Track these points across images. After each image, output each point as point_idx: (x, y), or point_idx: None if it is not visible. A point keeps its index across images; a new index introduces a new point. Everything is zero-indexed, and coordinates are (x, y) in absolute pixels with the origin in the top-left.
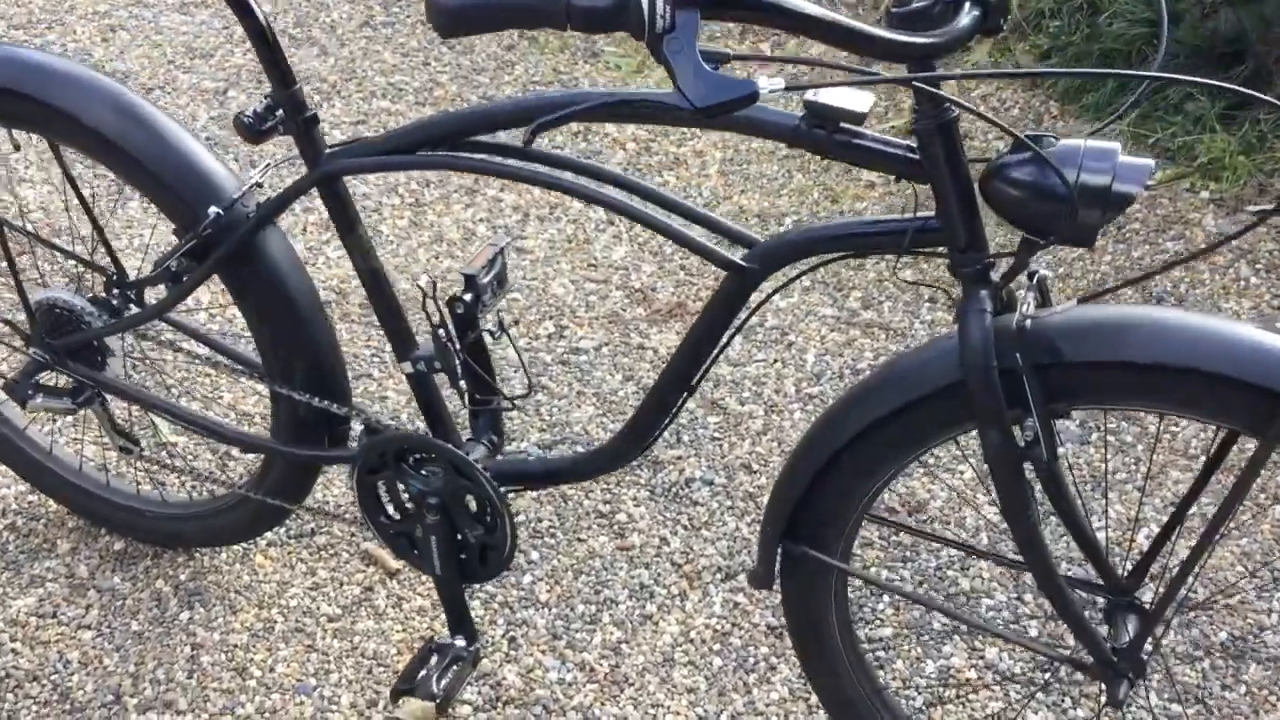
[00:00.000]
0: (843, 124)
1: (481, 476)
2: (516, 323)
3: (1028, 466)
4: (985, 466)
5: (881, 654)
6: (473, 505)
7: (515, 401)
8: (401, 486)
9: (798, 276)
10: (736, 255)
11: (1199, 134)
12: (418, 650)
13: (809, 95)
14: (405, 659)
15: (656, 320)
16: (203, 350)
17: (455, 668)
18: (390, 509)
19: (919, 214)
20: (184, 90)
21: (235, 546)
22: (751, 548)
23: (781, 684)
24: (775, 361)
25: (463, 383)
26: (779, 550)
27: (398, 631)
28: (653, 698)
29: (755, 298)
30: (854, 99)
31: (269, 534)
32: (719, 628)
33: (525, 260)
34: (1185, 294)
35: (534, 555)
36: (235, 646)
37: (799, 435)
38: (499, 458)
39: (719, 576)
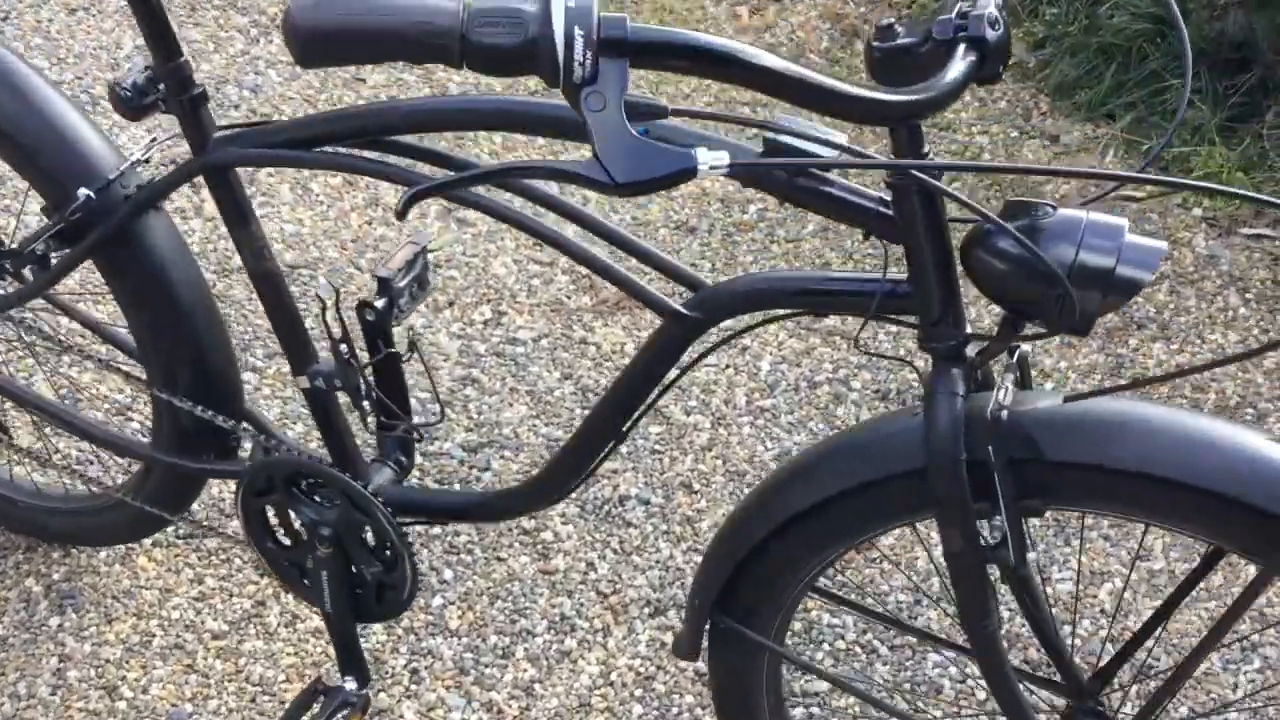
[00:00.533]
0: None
1: (379, 511)
2: (451, 304)
3: (992, 567)
4: (943, 561)
5: (817, 711)
6: (370, 539)
7: (422, 431)
8: (292, 513)
9: (743, 331)
10: (676, 301)
11: (1196, 145)
12: (301, 692)
13: (769, 133)
14: (294, 688)
15: (603, 312)
16: (86, 339)
17: (342, 715)
18: (280, 534)
19: (889, 275)
20: (110, 13)
21: (116, 546)
22: (685, 579)
23: None
24: (727, 368)
25: (366, 404)
26: (707, 623)
27: (288, 655)
28: None
29: (695, 349)
30: (820, 136)
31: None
32: (642, 670)
33: (467, 234)
34: (1169, 321)
35: (447, 574)
36: (107, 661)
37: (745, 454)
38: (405, 485)
39: (646, 611)
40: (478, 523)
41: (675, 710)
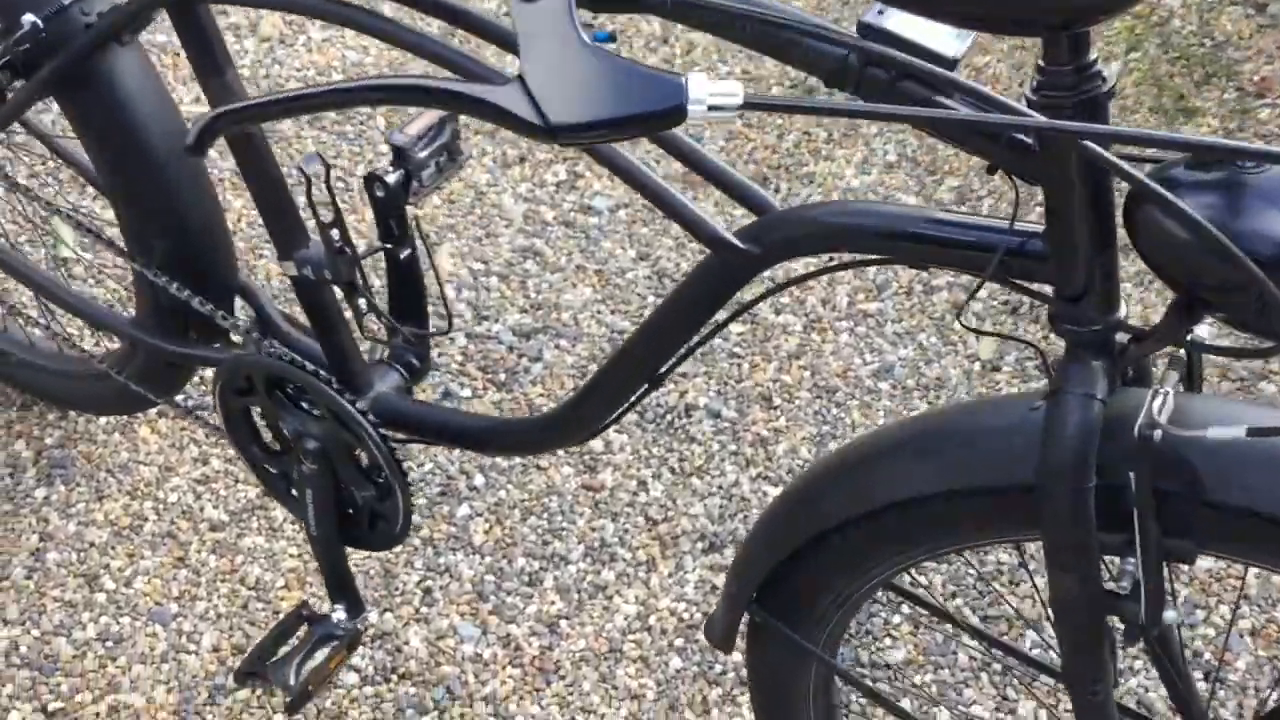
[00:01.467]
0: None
1: (368, 433)
2: (522, 160)
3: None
4: (1050, 606)
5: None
6: (363, 460)
7: (413, 336)
8: (278, 416)
9: (811, 277)
10: (731, 231)
11: None
12: (283, 617)
13: (866, 15)
14: (292, 599)
15: (693, 184)
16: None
17: (326, 650)
18: (265, 439)
19: (1018, 225)
20: None
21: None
22: (750, 514)
23: (749, 709)
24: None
25: (362, 302)
26: (745, 614)
27: (290, 557)
28: (585, 699)
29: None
30: (939, 36)
31: None
32: (686, 616)
33: None
34: None
35: (478, 479)
36: (91, 545)
37: (839, 367)
38: (409, 398)
39: (700, 546)
40: (483, 453)
41: (719, 668)
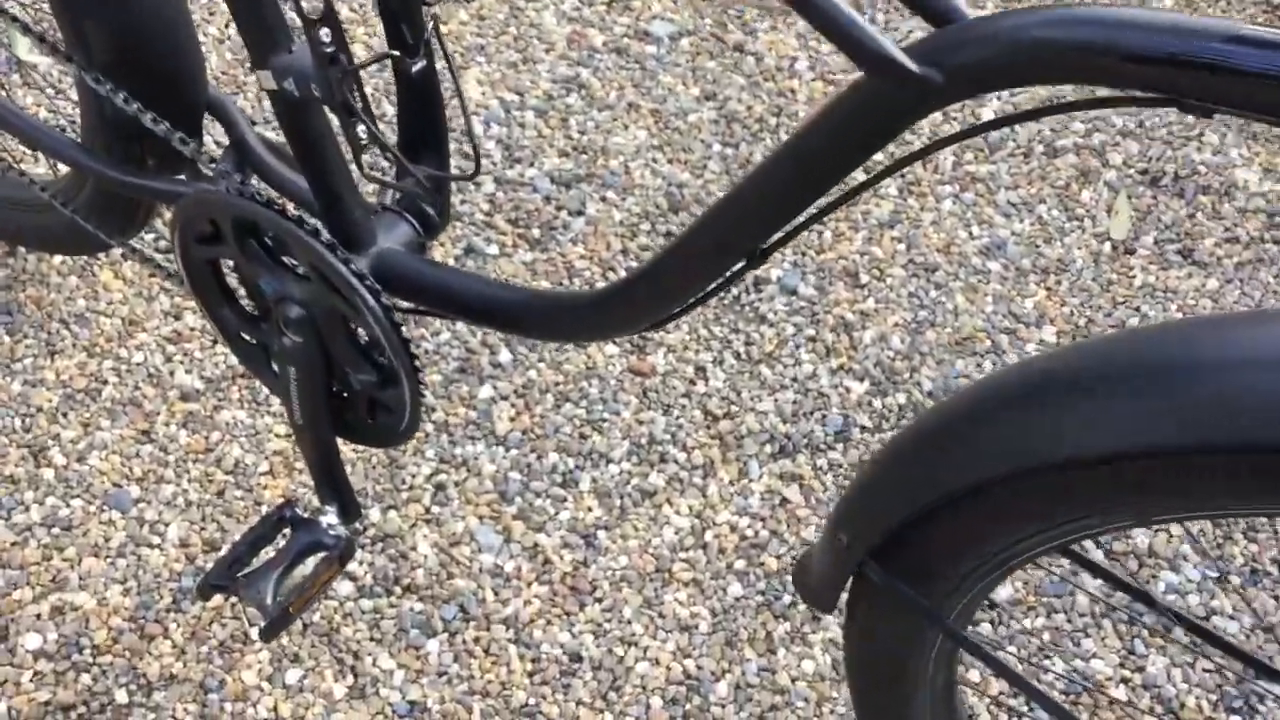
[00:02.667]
0: None
1: (365, 301)
2: None
3: None
4: None
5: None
6: (360, 335)
7: (428, 179)
8: (254, 273)
9: (1009, 122)
10: (901, 52)
11: None
12: (263, 516)
13: None
14: (277, 489)
15: (772, 11)
16: None
17: (313, 563)
18: (239, 296)
19: None
20: None
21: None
22: (827, 412)
23: (822, 650)
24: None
25: (361, 131)
26: (856, 570)
27: (276, 437)
28: (624, 627)
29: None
30: None
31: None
32: (750, 534)
33: None
34: None
35: (503, 355)
36: (39, 410)
37: (940, 240)
38: (421, 256)
39: (768, 449)
40: (515, 333)
41: (787, 598)
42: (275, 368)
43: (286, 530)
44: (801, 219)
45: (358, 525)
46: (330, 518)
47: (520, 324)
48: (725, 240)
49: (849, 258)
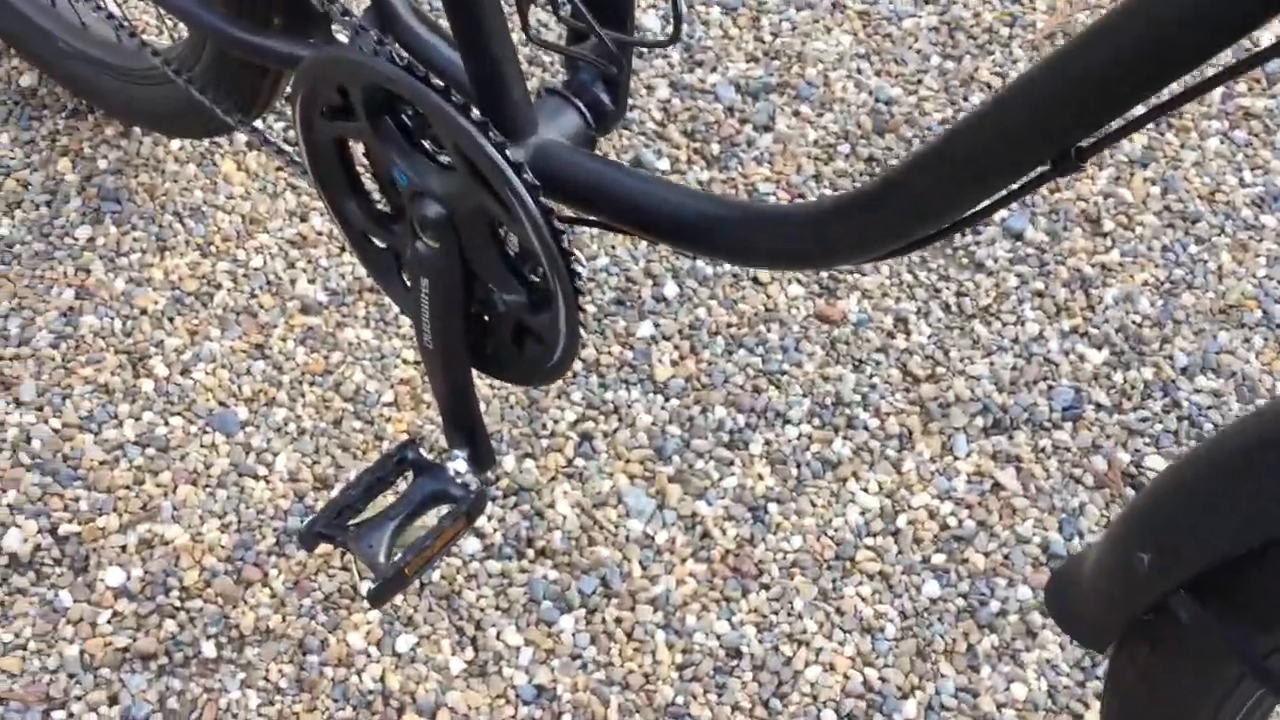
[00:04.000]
0: None
1: (523, 201)
2: None
3: None
4: None
5: None
6: (511, 244)
7: (614, 43)
8: (387, 159)
9: None
10: None
11: None
12: (382, 456)
13: None
14: (402, 424)
15: None
16: None
17: (435, 516)
18: (368, 189)
19: None
20: None
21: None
22: (1054, 384)
23: (1037, 673)
24: None
25: None
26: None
27: (405, 364)
28: (794, 622)
29: None
30: None
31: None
32: (953, 524)
33: None
34: None
35: (669, 287)
36: (142, 313)
37: (1208, 188)
38: (586, 150)
39: (979, 424)
40: (690, 250)
41: (994, 605)
42: (406, 279)
43: (408, 474)
44: (1138, 112)
45: (489, 475)
46: (459, 464)
47: (713, 241)
48: (1027, 131)
49: (1089, 199)
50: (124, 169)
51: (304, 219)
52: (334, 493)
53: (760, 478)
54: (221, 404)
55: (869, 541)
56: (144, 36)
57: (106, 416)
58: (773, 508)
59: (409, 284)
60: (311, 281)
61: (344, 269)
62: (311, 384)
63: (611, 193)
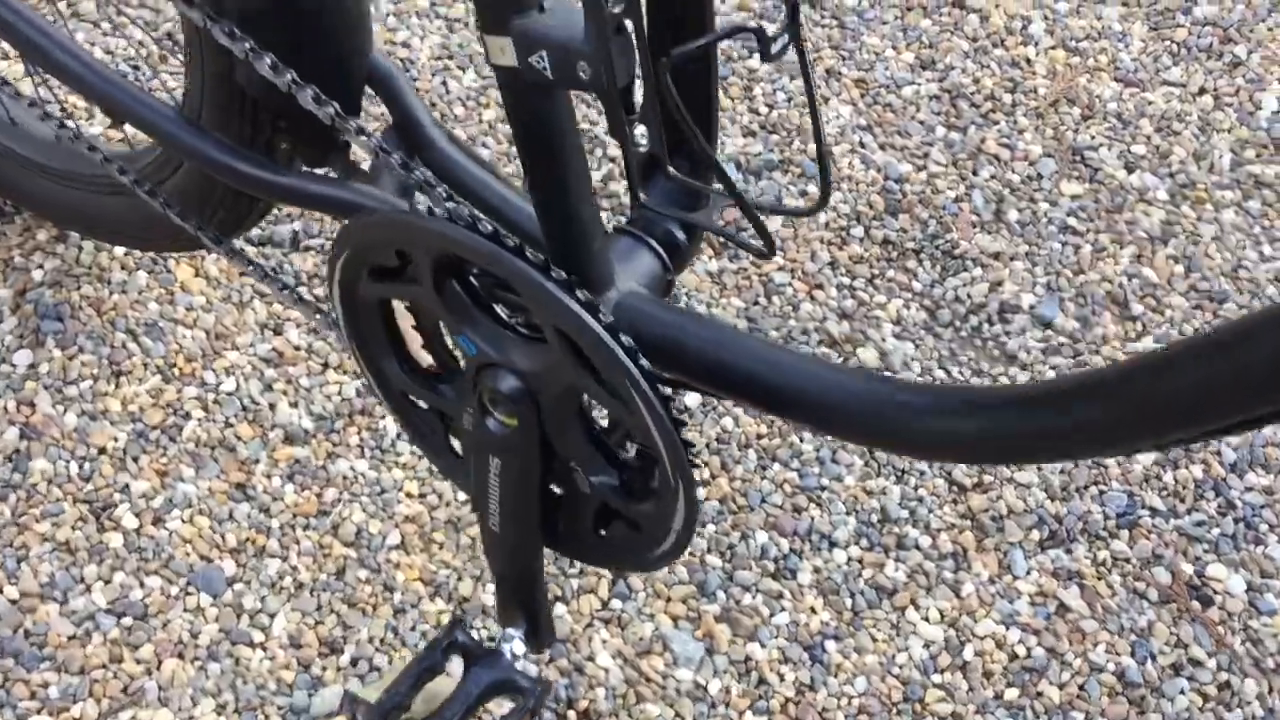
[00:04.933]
0: None
1: (625, 368)
2: None
3: None
4: None
5: None
6: (601, 418)
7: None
8: (450, 326)
9: None
10: None
11: None
12: (429, 643)
13: None
14: (412, 567)
15: None
16: None
17: (502, 718)
18: (408, 349)
19: None
20: None
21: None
22: (1107, 485)
23: None
24: None
25: (641, 135)
26: None
27: (409, 497)
28: None
29: None
30: None
31: None
32: (1021, 651)
33: None
34: None
35: (690, 396)
36: (99, 453)
37: (1228, 264)
38: (662, 299)
39: (1034, 537)
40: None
41: None
42: (455, 444)
43: (457, 661)
44: None
45: (546, 662)
46: (515, 644)
47: (891, 432)
48: None
49: (1114, 280)
50: (63, 280)
51: (278, 331)
52: (375, 692)
53: (813, 611)
54: (204, 558)
55: (937, 679)
56: (95, 139)
57: (71, 581)
58: (830, 645)
59: (467, 457)
60: (294, 405)
61: (329, 389)
62: (306, 528)
63: (709, 356)
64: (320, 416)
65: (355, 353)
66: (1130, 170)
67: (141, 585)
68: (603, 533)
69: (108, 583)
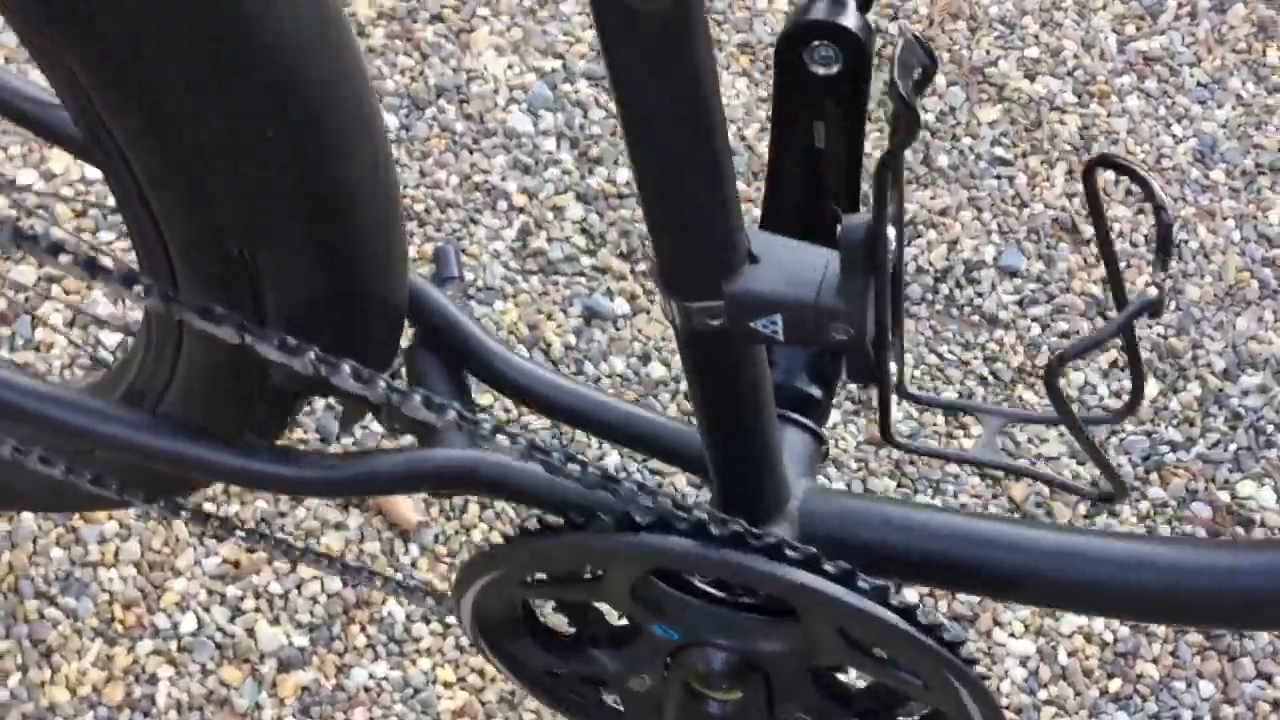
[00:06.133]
0: None
1: (881, 622)
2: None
3: None
4: None
5: None
6: (844, 675)
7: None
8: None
9: None
10: None
11: None
12: None
13: None
14: None
15: None
16: None
17: None
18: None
19: None
20: None
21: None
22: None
23: None
24: None
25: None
26: None
27: (445, 688)
28: None
29: None
30: None
31: None
32: (1107, 636)
33: None
34: None
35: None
36: None
37: (1156, 155)
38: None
39: (1081, 510)
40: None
41: None
42: (609, 699)
43: None
44: None
45: None
46: None
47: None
48: None
49: (1056, 205)
50: None
51: (218, 538)
52: None
53: None
54: None
55: (1043, 694)
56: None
57: None
58: None
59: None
60: (275, 623)
61: (307, 588)
62: None
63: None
64: (311, 626)
65: (484, 650)
66: (1032, 79)
67: None
68: None
69: None
